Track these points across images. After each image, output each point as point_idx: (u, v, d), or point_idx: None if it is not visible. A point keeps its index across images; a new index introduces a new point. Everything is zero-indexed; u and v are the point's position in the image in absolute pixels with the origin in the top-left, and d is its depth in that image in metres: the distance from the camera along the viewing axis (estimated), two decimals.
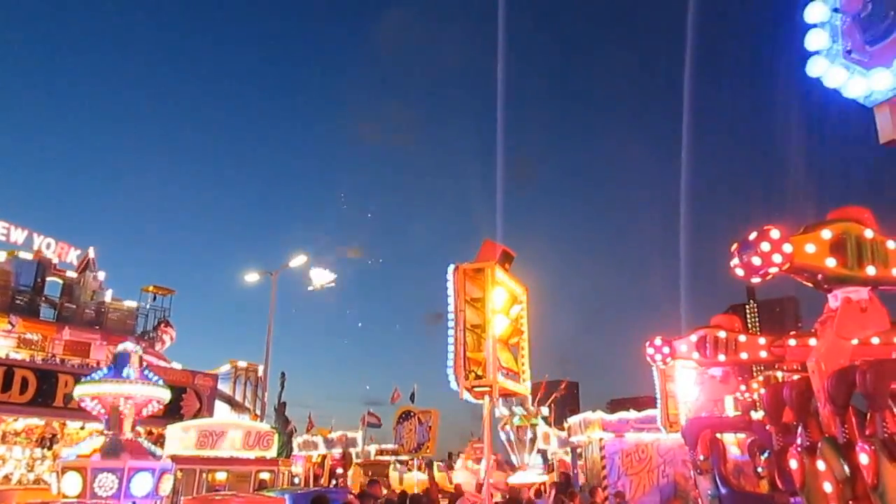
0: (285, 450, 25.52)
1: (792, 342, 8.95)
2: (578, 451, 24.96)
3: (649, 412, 20.38)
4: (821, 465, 6.65)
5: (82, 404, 10.37)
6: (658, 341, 11.20)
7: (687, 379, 16.14)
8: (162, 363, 25.07)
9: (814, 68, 4.49)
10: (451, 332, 10.88)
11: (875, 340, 7.01)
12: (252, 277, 27.55)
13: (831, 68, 4.36)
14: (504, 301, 11.94)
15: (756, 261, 6.76)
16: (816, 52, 4.52)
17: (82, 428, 19.60)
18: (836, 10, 4.39)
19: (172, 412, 19.43)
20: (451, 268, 11.26)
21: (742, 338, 10.02)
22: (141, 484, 9.59)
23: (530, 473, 25.06)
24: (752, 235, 6.83)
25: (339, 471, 34.83)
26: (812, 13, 4.52)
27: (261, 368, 28.83)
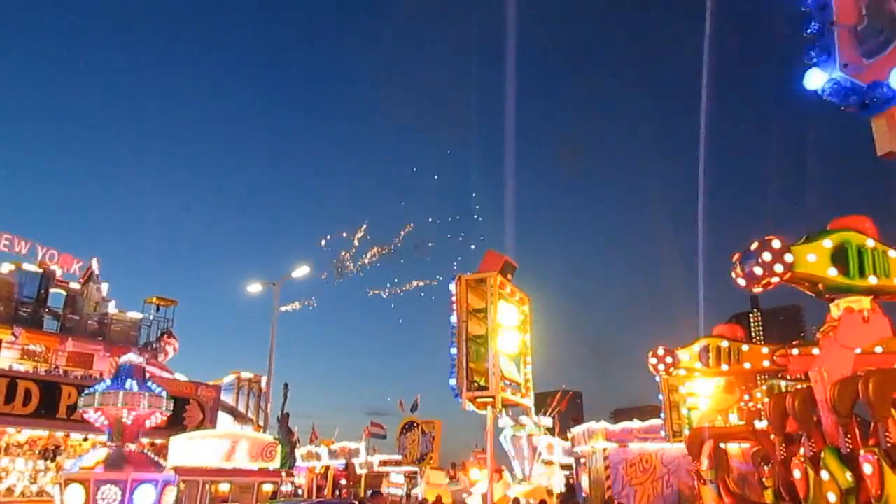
0: (288, 461, 25.46)
1: (795, 352, 8.94)
2: (582, 461, 24.87)
3: (653, 422, 20.31)
4: (824, 474, 6.63)
5: (85, 416, 10.38)
6: (661, 351, 11.20)
7: (691, 388, 16.11)
8: (165, 374, 25.02)
9: (811, 81, 4.53)
10: (453, 342, 10.88)
11: (878, 350, 7.00)
12: (255, 288, 27.57)
13: (829, 81, 4.39)
14: (506, 312, 11.95)
15: (757, 270, 6.78)
16: (814, 66, 4.56)
17: (85, 439, 19.58)
18: (832, 23, 4.43)
19: (175, 423, 19.40)
20: (453, 280, 11.28)
21: (745, 347, 10.02)
22: (144, 496, 9.58)
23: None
24: (754, 245, 6.85)
25: (343, 481, 34.76)
26: (810, 27, 4.56)
27: (264, 379, 28.79)
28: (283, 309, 27.27)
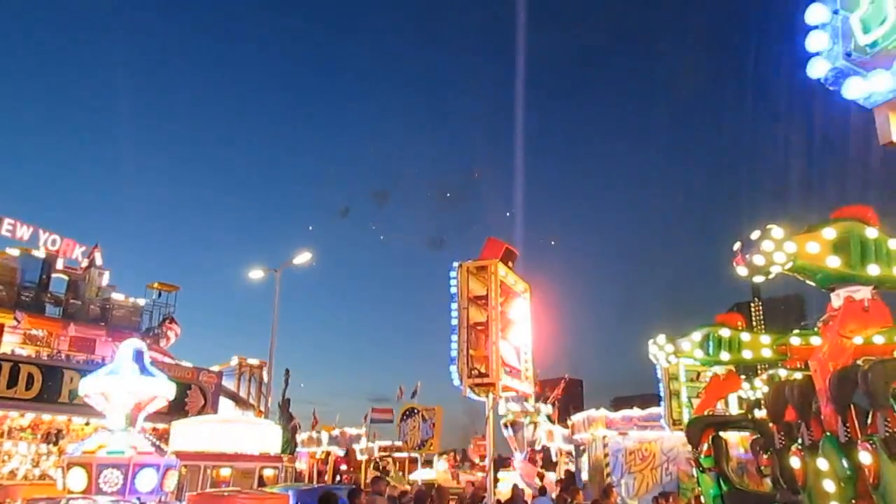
0: (289, 446, 25.59)
1: (795, 341, 8.93)
2: (582, 448, 24.98)
3: (653, 410, 20.38)
4: (822, 463, 6.66)
5: (87, 400, 10.43)
6: (661, 339, 11.19)
7: (692, 377, 16.15)
8: (167, 359, 25.16)
9: (814, 70, 4.50)
10: (454, 330, 10.92)
11: (878, 339, 7.01)
12: (256, 274, 27.59)
13: (832, 70, 4.36)
14: (507, 300, 11.97)
15: (758, 260, 6.77)
16: (817, 54, 4.52)
17: (87, 424, 19.71)
18: (836, 11, 4.39)
19: (177, 408, 19.50)
20: (454, 266, 11.30)
21: (745, 336, 9.99)
22: (145, 480, 9.65)
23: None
24: (755, 234, 6.83)
25: (343, 467, 34.95)
26: (813, 14, 4.52)
27: (265, 365, 28.91)
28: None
